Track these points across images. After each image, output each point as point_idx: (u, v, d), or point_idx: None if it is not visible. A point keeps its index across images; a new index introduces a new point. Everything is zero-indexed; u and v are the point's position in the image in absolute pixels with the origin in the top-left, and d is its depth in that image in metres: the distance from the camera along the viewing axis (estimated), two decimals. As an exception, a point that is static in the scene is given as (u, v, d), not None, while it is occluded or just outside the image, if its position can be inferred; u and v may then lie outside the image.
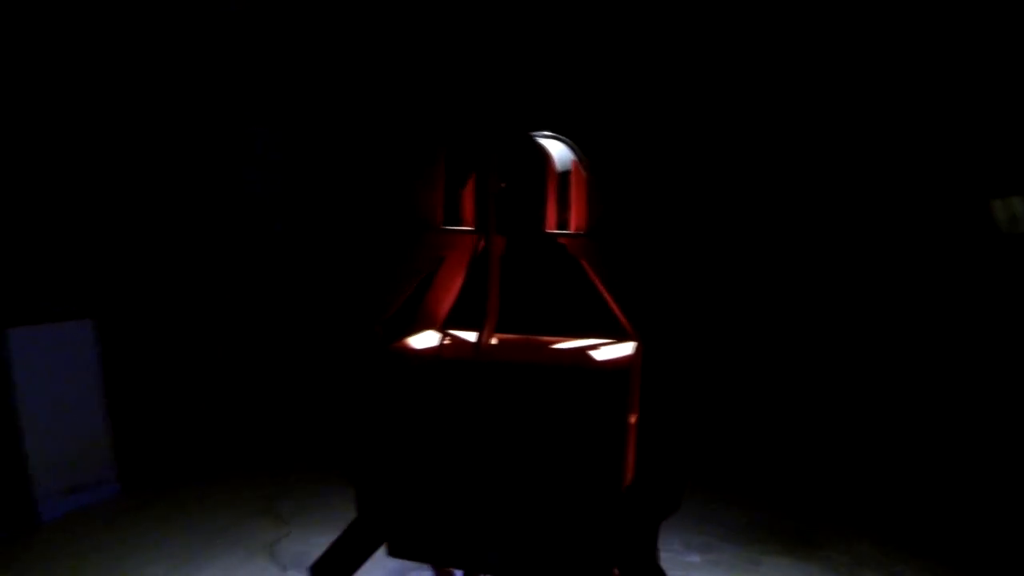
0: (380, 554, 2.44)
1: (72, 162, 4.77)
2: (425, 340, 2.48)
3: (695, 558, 3.80)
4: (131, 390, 4.96)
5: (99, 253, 4.92)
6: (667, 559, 3.79)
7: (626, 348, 2.36)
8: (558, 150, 2.45)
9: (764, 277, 5.38)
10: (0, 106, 4.39)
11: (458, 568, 2.45)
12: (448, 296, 2.61)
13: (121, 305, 4.99)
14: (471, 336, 2.63)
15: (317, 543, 3.48)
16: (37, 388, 4.01)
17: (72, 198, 4.76)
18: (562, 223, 2.37)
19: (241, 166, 5.73)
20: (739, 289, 5.34)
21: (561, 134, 2.58)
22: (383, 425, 2.32)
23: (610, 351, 2.34)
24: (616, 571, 2.17)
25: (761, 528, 4.10)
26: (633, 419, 2.20)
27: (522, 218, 2.23)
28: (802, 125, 5.21)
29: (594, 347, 2.42)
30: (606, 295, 2.20)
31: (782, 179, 5.29)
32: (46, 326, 4.10)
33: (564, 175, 2.37)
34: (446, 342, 2.40)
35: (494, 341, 2.53)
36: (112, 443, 4.48)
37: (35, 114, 4.55)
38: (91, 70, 4.82)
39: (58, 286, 4.56)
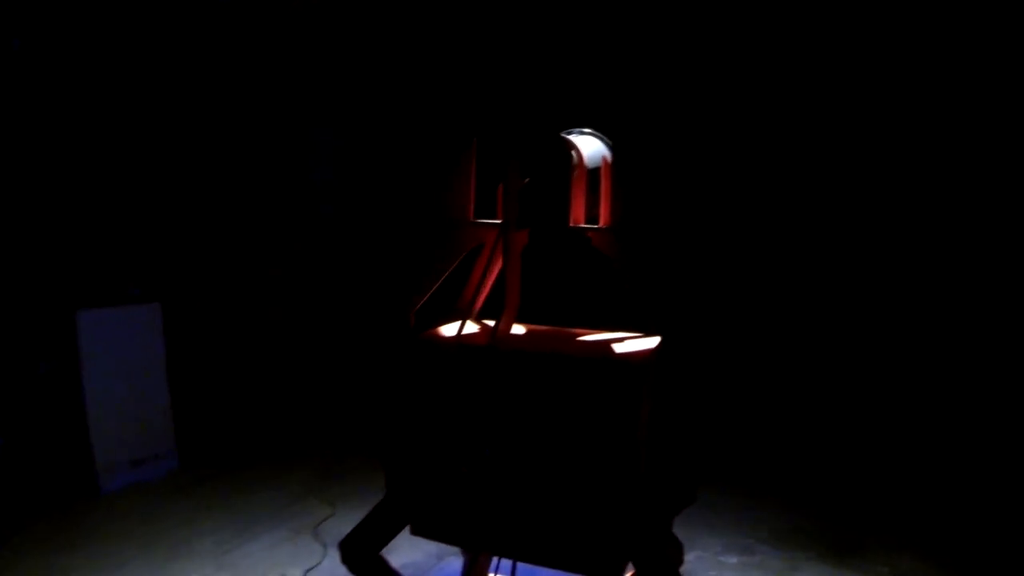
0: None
1: (143, 154, 5.02)
2: (457, 329, 2.54)
3: (732, 559, 3.77)
4: (194, 372, 5.20)
5: (167, 241, 5.17)
6: (704, 559, 3.78)
7: (650, 342, 2.37)
8: (589, 146, 2.47)
9: (795, 273, 5.28)
10: (81, 100, 4.66)
11: (476, 551, 2.50)
12: (484, 287, 2.67)
13: (187, 291, 5.23)
14: (514, 327, 2.69)
15: (358, 525, 3.60)
16: (103, 367, 4.25)
17: (143, 189, 5.01)
18: (592, 218, 2.40)
19: (303, 157, 5.93)
20: (768, 285, 5.25)
21: (598, 131, 2.62)
22: (408, 408, 2.39)
23: (633, 344, 2.36)
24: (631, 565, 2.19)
25: (802, 533, 4.02)
26: (651, 412, 2.22)
27: (544, 212, 2.26)
28: (826, 124, 5.10)
29: (619, 340, 2.43)
30: (630, 289, 2.22)
31: (803, 178, 5.19)
32: (115, 309, 4.34)
33: (594, 171, 2.40)
34: (475, 331, 2.46)
35: (522, 331, 2.58)
36: (173, 422, 4.71)
37: (114, 107, 4.81)
38: (164, 66, 5.06)
39: (128, 272, 4.80)
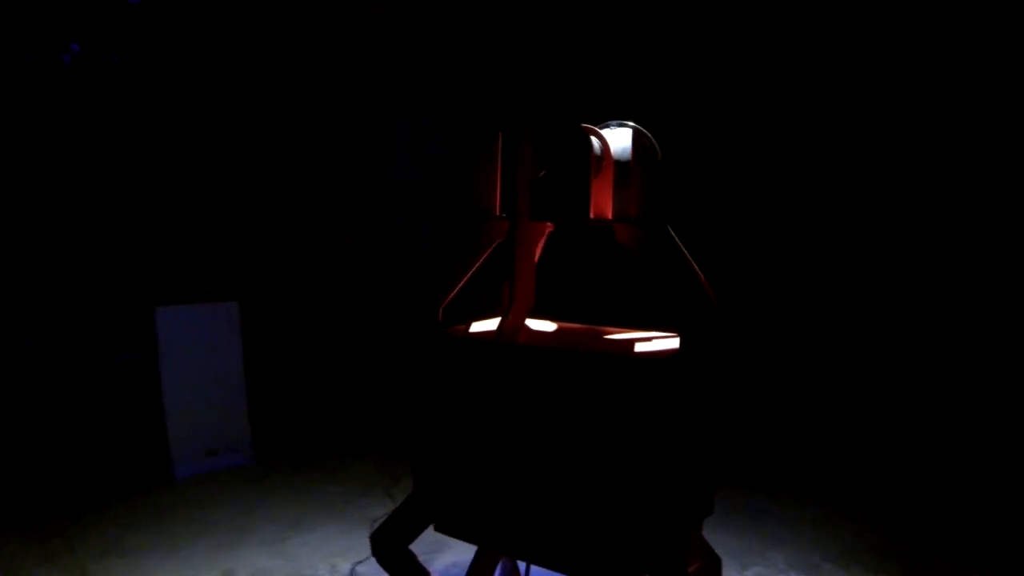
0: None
1: (223, 157, 5.29)
2: (484, 323, 2.53)
3: (793, 578, 3.58)
4: (269, 368, 5.41)
5: (246, 242, 5.42)
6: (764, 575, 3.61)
7: (675, 342, 2.28)
8: (619, 139, 2.41)
9: (838, 271, 5.01)
10: (160, 104, 4.96)
11: (494, 550, 2.47)
12: (516, 281, 2.65)
13: (263, 290, 5.46)
14: (538, 324, 2.66)
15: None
16: (180, 360, 4.48)
17: (223, 192, 5.27)
18: (621, 212, 2.34)
19: (386, 157, 6.09)
20: (807, 282, 5.01)
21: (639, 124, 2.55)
22: (430, 403, 2.40)
23: (657, 344, 2.27)
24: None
25: (872, 551, 3.77)
26: (671, 414, 2.12)
27: (563, 204, 2.22)
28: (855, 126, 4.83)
29: (644, 339, 2.35)
30: (651, 286, 2.14)
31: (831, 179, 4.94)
32: (193, 306, 4.58)
33: (622, 164, 2.33)
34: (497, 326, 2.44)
35: (549, 327, 2.53)
36: (248, 415, 4.91)
37: (191, 110, 5.09)
38: (245, 69, 5.32)
39: (209, 271, 5.06)
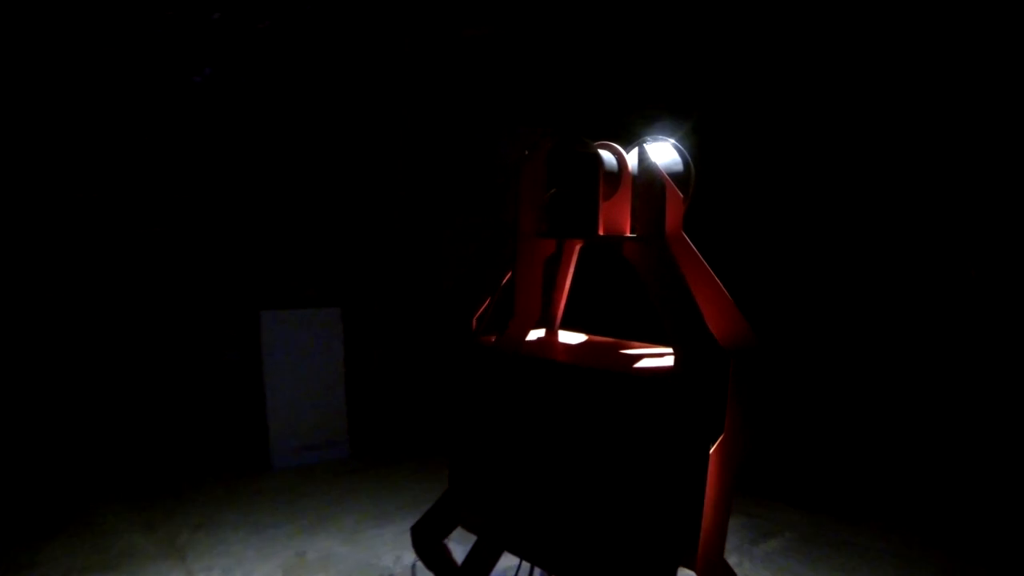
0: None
1: (333, 169, 5.74)
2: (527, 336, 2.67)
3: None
4: (369, 371, 5.79)
5: (350, 250, 5.84)
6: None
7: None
8: (646, 154, 2.49)
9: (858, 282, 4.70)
10: (276, 124, 5.47)
11: (514, 554, 2.58)
12: (554, 295, 2.78)
13: (363, 296, 5.85)
14: (569, 336, 2.77)
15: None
16: (283, 361, 4.91)
17: (330, 203, 5.72)
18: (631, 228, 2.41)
19: (488, 167, 6.34)
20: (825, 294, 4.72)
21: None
22: (459, 406, 2.58)
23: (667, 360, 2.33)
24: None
25: (912, 565, 3.57)
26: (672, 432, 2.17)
27: (568, 222, 2.32)
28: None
29: (661, 355, 2.41)
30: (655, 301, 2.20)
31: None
32: (297, 311, 5.01)
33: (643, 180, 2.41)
34: (538, 337, 2.60)
35: (579, 339, 2.64)
36: (347, 414, 5.28)
37: (306, 129, 5.58)
38: (358, 89, 5.76)
39: (313, 277, 5.51)
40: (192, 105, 5.56)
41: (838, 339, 5.14)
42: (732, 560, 3.78)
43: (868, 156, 4.97)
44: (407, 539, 4.07)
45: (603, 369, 2.20)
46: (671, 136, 2.68)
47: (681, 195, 2.39)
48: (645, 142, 2.71)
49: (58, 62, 5.16)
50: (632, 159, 2.44)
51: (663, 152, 2.66)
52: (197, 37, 5.63)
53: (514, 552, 2.55)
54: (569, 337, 2.79)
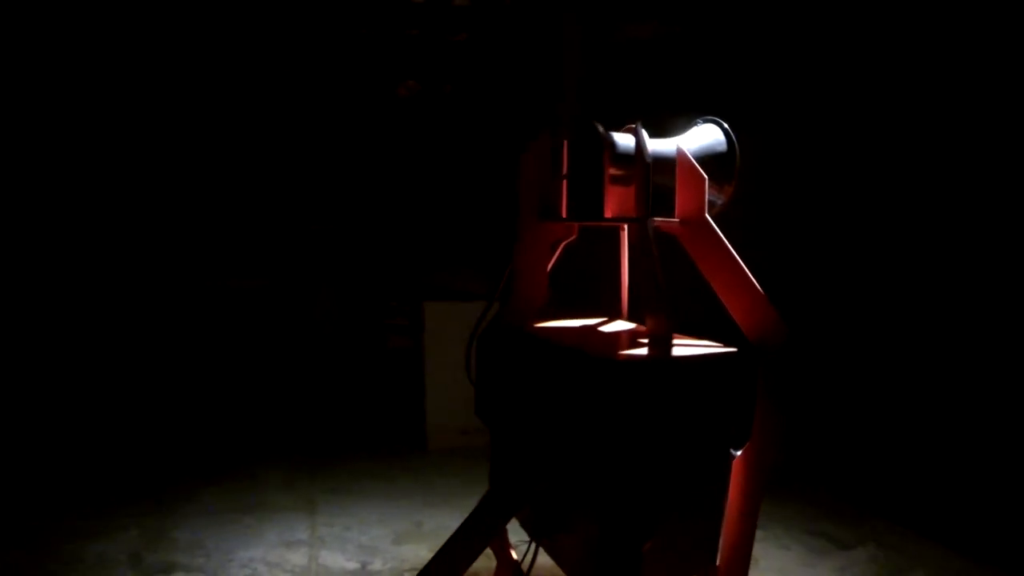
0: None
1: (484, 169, 6.11)
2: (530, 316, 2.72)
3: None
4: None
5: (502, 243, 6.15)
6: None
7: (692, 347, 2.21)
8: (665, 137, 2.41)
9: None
10: (451, 129, 5.91)
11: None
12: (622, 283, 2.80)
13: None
14: (618, 325, 2.76)
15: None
16: (441, 348, 5.28)
17: (492, 201, 6.05)
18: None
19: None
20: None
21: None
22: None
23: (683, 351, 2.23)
24: None
25: None
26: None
27: (580, 204, 2.30)
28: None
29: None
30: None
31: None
32: (454, 303, 5.36)
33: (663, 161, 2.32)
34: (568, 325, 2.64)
35: (622, 327, 2.63)
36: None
37: (473, 133, 5.98)
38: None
39: (474, 273, 5.85)
40: (387, 117, 6.23)
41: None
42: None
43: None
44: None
45: (576, 350, 2.21)
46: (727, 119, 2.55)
47: (704, 176, 2.28)
48: (696, 124, 2.64)
49: (280, 81, 6.08)
50: (658, 143, 2.37)
51: (706, 134, 2.54)
52: (395, 51, 6.31)
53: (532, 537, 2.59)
54: (619, 326, 2.76)
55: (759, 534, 2.57)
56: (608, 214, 2.26)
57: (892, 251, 4.90)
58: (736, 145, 2.43)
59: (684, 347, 2.24)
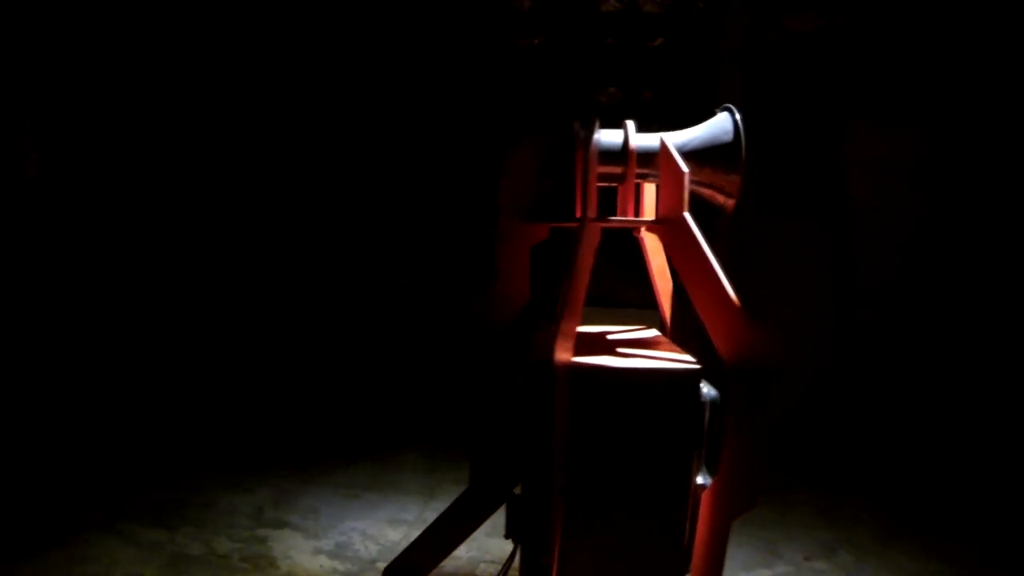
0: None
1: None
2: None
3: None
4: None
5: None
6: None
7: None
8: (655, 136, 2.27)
9: None
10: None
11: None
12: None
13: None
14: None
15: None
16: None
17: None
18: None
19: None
20: None
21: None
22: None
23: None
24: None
25: None
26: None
27: (554, 205, 2.26)
28: None
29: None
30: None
31: None
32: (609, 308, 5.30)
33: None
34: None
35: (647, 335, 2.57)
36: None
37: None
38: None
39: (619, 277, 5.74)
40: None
41: None
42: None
43: None
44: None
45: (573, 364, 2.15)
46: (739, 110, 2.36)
47: (684, 170, 2.14)
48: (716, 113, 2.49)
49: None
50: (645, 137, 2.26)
51: (714, 124, 2.39)
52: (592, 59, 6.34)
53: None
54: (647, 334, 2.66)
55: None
56: (577, 214, 2.20)
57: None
58: (743, 134, 2.23)
59: (649, 358, 2.11)
